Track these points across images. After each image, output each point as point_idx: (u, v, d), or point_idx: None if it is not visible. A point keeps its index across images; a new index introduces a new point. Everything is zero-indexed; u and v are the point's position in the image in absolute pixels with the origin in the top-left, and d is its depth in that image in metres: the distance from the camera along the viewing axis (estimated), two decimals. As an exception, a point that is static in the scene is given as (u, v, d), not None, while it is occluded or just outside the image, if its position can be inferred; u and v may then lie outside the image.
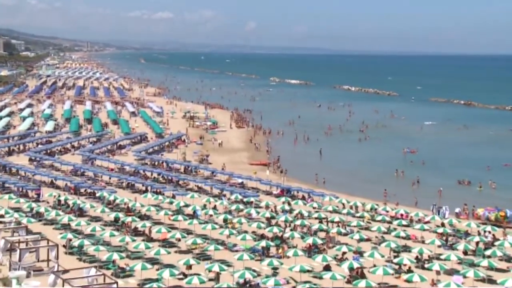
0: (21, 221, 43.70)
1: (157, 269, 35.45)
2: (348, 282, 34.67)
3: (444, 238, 45.92)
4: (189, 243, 41.22)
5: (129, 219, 46.07)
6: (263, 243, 41.02)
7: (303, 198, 58.07)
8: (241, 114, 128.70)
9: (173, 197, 55.58)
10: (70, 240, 40.42)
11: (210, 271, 35.08)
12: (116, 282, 29.63)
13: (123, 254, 37.66)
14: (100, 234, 42.18)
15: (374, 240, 45.28)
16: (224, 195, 58.36)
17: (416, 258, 40.26)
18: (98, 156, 76.33)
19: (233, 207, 52.02)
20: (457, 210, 55.43)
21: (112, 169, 69.34)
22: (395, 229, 47.75)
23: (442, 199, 60.54)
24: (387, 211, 53.79)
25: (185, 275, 34.62)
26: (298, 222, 47.59)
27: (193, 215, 49.31)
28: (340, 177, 72.13)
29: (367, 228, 48.23)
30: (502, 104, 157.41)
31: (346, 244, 42.21)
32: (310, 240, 41.95)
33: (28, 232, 40.71)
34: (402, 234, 45.32)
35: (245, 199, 55.65)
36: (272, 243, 41.79)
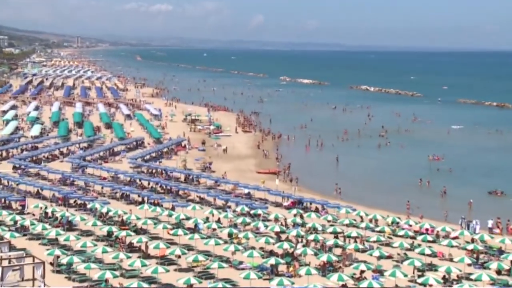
0: (4, 236, 43.69)
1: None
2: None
3: (475, 255, 45.63)
4: (190, 260, 41.13)
5: (123, 233, 46.02)
6: (272, 260, 40.88)
7: (317, 210, 57.87)
8: (247, 117, 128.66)
9: (173, 209, 55.52)
10: (58, 256, 40.39)
11: (213, 291, 34.93)
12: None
13: (117, 273, 37.59)
14: (92, 250, 42.14)
15: (396, 258, 45.07)
16: (229, 207, 58.25)
17: (443, 278, 40.00)
18: (89, 163, 76.40)
19: (239, 220, 51.90)
20: (489, 224, 55.11)
21: (105, 178, 69.37)
22: (419, 245, 47.50)
23: (472, 212, 60.29)
24: (411, 225, 53.53)
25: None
26: (311, 237, 47.41)
27: (195, 229, 49.21)
28: (357, 187, 71.94)
29: (388, 244, 48.00)
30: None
31: (365, 261, 42.00)
32: (324, 257, 41.78)
33: (12, 248, 40.68)
34: (428, 251, 45.02)
35: (252, 212, 55.52)
36: (282, 261, 41.63)
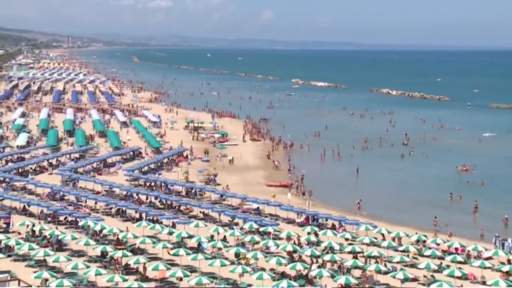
0: (-13, 256, 43.71)
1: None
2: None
3: (511, 278, 45.32)
4: (193, 284, 40.98)
5: (119, 253, 45.94)
6: (284, 283, 40.67)
7: (333, 227, 57.70)
8: (256, 124, 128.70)
9: (173, 226, 55.45)
10: (47, 280, 40.31)
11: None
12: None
13: (112, 297, 37.46)
14: (84, 273, 42.07)
15: (422, 280, 44.82)
16: (236, 224, 58.14)
17: (475, 302, 39.68)
18: (81, 176, 76.47)
19: (247, 238, 51.74)
20: (526, 243, 54.78)
21: (98, 192, 69.40)
22: (448, 266, 47.22)
23: (508, 229, 59.98)
24: (438, 244, 53.24)
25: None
26: (327, 257, 47.20)
27: (198, 249, 49.08)
28: (378, 202, 71.73)
29: (413, 265, 47.77)
30: None
31: (387, 284, 41.77)
32: (342, 280, 41.58)
33: (-4, 269, 40.70)
34: (457, 273, 44.72)
35: (261, 229, 55.38)
36: (295, 283, 41.42)
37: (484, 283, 44.21)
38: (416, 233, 55.02)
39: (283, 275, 43.69)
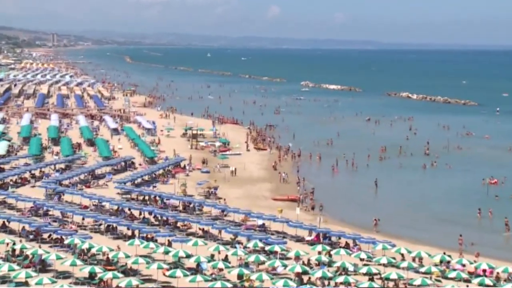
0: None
1: None
2: None
3: (544, 302, 45.14)
4: (191, 309, 40.93)
5: (109, 275, 45.93)
6: (292, 308, 40.60)
7: (347, 246, 57.62)
8: (261, 132, 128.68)
9: (169, 244, 55.41)
10: (29, 303, 40.31)
11: None
12: None
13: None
14: (70, 296, 42.01)
15: (446, 305, 44.66)
16: (239, 242, 58.11)
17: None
18: (67, 189, 76.46)
19: (251, 258, 51.72)
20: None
21: (86, 207, 69.36)
22: (475, 290, 47.13)
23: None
24: (464, 265, 53.11)
25: None
26: (340, 279, 47.17)
27: (197, 269, 49.05)
28: (397, 218, 71.70)
29: (436, 289, 47.66)
30: None
31: (408, 310, 41.63)
32: (357, 305, 41.47)
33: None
34: (485, 297, 44.65)
35: (267, 248, 55.32)
36: (304, 309, 41.34)
37: (515, 308, 44.11)
38: (444, 254, 54.83)
39: (291, 299, 43.63)
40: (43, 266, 49.73)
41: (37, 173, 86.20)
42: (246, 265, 51.08)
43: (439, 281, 49.71)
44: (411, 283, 47.81)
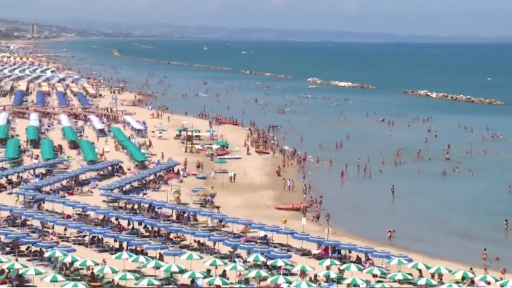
0: None
1: None
2: None
3: None
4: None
5: (93, 291, 45.82)
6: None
7: (358, 260, 57.59)
8: (263, 133, 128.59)
9: (161, 258, 55.37)
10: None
11: None
12: None
13: None
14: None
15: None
16: (238, 256, 58.06)
17: None
18: (48, 196, 76.32)
19: (252, 273, 51.69)
20: None
21: (69, 216, 69.26)
22: (501, 310, 47.04)
23: None
24: (489, 283, 53.03)
25: None
26: (351, 298, 47.10)
27: (192, 286, 48.92)
28: (414, 229, 71.68)
29: (457, 308, 47.59)
30: None
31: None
32: (369, 326, 41.43)
33: None
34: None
35: (269, 262, 55.25)
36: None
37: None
38: (471, 269, 54.78)
39: (296, 320, 43.59)
40: (20, 282, 49.67)
41: (14, 178, 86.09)
42: (246, 281, 51.06)
43: (461, 300, 49.66)
44: (430, 302, 47.77)
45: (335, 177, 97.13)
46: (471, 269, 55.09)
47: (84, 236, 62.85)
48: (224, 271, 52.54)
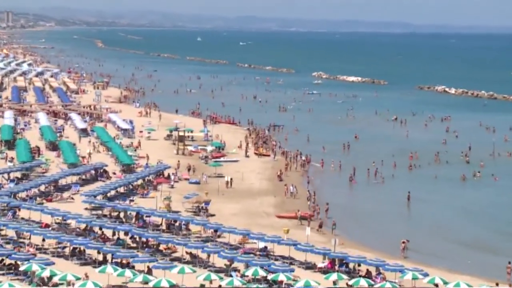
0: None
1: None
2: None
3: None
4: None
5: (74, 309, 45.88)
6: None
7: (368, 274, 57.66)
8: (263, 134, 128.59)
9: (149, 271, 55.41)
10: None
11: None
12: None
13: None
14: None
15: None
16: (235, 269, 58.10)
17: None
18: (24, 203, 76.36)
19: (251, 289, 51.73)
20: None
21: (47, 225, 69.26)
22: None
23: None
24: (513, 299, 53.13)
25: None
26: (360, 316, 47.16)
27: (183, 304, 49.00)
28: (431, 241, 71.72)
29: (478, 328, 47.69)
30: None
31: None
32: None
33: None
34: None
35: (270, 276, 55.30)
36: None
37: None
38: (497, 284, 54.82)
39: None
40: (-7, 298, 49.73)
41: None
42: (244, 297, 51.08)
43: (482, 318, 49.72)
44: (447, 321, 47.86)
45: (342, 182, 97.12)
46: (497, 284, 55.13)
47: (64, 247, 62.87)
48: (220, 286, 52.59)
